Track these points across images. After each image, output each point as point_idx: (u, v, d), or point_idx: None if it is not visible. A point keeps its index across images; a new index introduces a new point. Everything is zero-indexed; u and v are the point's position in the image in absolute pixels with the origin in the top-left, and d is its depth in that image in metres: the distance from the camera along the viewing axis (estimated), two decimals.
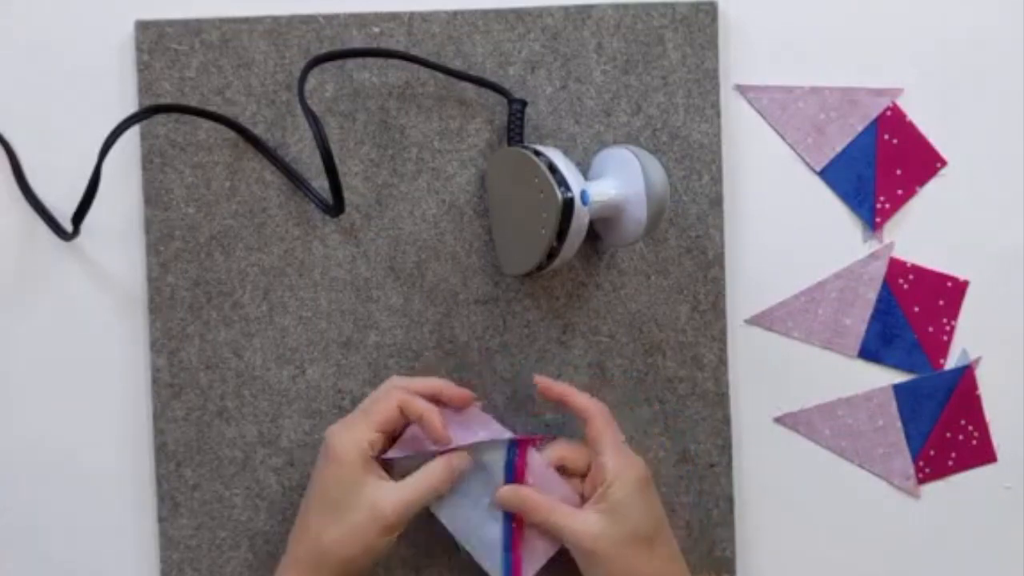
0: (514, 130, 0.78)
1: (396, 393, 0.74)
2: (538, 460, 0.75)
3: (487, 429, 0.76)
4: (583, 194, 0.73)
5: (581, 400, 0.75)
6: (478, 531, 0.75)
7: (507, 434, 0.75)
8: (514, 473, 0.75)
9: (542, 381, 0.76)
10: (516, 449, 0.75)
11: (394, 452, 0.74)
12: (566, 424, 0.80)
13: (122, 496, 0.80)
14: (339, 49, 0.78)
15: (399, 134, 0.80)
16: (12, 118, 0.80)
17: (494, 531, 0.75)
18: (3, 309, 0.80)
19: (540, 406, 0.80)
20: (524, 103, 0.78)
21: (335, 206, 0.76)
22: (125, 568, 0.80)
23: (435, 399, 0.75)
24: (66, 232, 0.77)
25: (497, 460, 0.75)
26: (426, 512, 0.74)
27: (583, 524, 0.72)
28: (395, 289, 0.80)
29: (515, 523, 0.75)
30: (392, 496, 0.72)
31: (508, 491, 0.74)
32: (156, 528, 0.80)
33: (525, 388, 0.80)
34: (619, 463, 0.73)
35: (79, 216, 0.76)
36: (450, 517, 0.75)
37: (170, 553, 0.79)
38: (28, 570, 0.80)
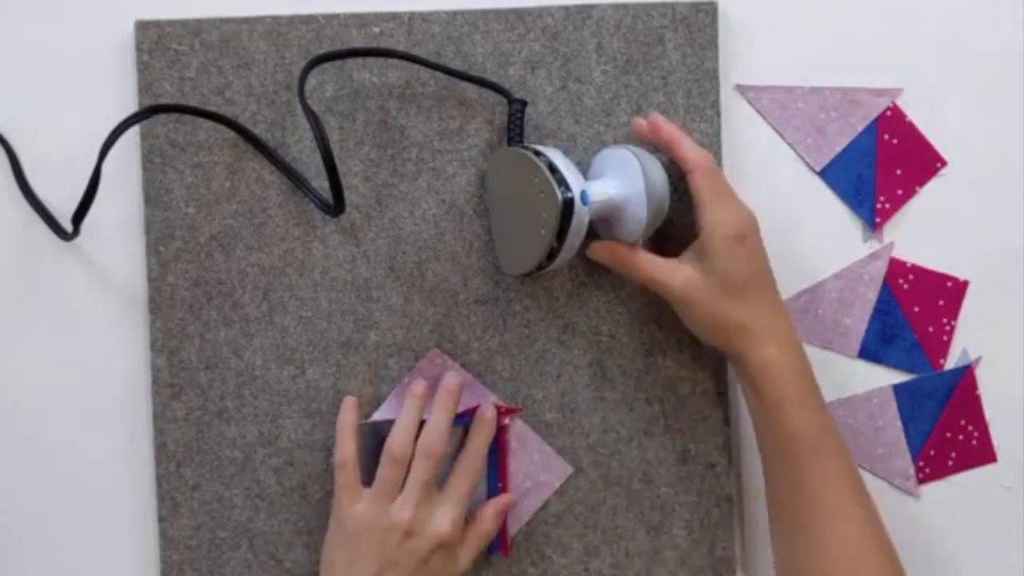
0: (514, 130, 0.78)
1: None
2: (520, 425, 0.79)
3: (471, 390, 0.79)
4: (583, 194, 0.73)
5: (686, 151, 0.75)
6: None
7: (492, 396, 0.79)
8: (497, 441, 0.79)
9: (655, 119, 0.76)
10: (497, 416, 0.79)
11: (380, 415, 0.77)
12: (565, 424, 0.80)
13: (122, 496, 0.80)
14: (339, 49, 0.78)
15: (399, 134, 0.80)
16: (12, 118, 0.80)
17: (479, 491, 0.79)
18: (3, 309, 0.80)
19: (540, 405, 0.80)
20: (524, 103, 0.78)
21: (335, 206, 0.76)
22: (125, 568, 0.80)
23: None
24: (66, 232, 0.77)
25: None
26: None
27: (671, 274, 0.75)
28: (395, 289, 0.80)
29: (500, 483, 0.79)
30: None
31: (598, 245, 0.77)
32: (156, 528, 0.80)
33: (526, 388, 0.80)
34: (715, 218, 0.74)
35: (79, 216, 0.76)
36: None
37: (170, 553, 0.79)
38: (28, 570, 0.80)
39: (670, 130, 0.75)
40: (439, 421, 0.76)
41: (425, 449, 0.75)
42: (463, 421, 0.78)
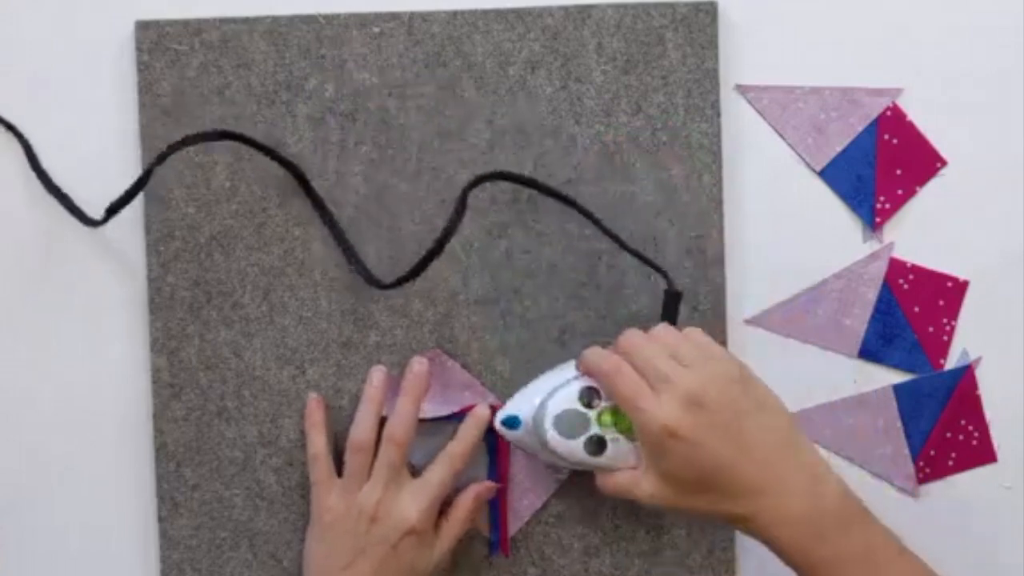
0: (668, 317, 0.76)
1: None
2: None
3: (471, 390, 0.79)
4: (512, 419, 0.75)
5: (589, 367, 0.73)
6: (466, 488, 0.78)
7: (491, 396, 0.79)
8: (497, 441, 0.78)
9: (582, 360, 0.74)
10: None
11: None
12: None
13: (122, 496, 0.80)
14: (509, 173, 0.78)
15: (399, 134, 0.80)
16: (11, 118, 0.80)
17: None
18: (3, 309, 0.80)
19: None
20: (680, 295, 0.76)
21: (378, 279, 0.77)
22: (125, 568, 0.80)
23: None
24: (93, 219, 0.77)
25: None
26: None
27: (636, 489, 0.71)
28: (395, 289, 0.80)
29: (500, 481, 0.78)
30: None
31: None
32: (156, 528, 0.80)
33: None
34: (637, 422, 0.70)
35: (113, 210, 0.75)
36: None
37: (170, 553, 0.79)
38: (28, 570, 0.80)
39: (587, 365, 0.73)
40: (403, 405, 0.75)
41: (389, 435, 0.75)
42: (461, 420, 0.78)
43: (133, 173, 0.79)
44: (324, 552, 0.75)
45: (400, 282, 0.76)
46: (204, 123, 0.79)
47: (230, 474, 0.79)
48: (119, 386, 0.80)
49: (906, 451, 0.81)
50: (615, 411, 0.72)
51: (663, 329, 0.73)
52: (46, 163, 0.79)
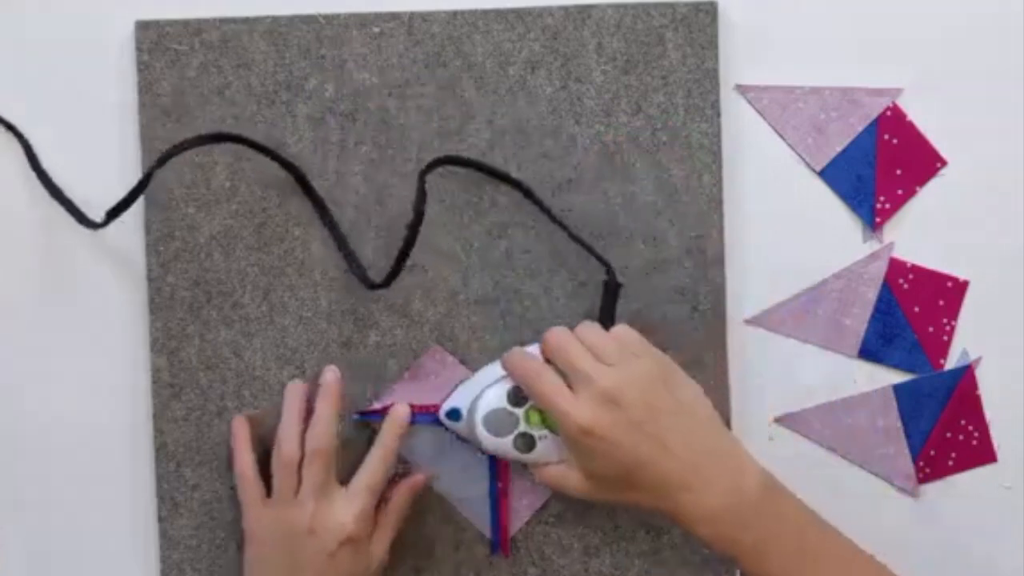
0: (606, 312, 0.77)
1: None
2: None
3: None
4: (453, 411, 0.76)
5: (508, 370, 0.74)
6: (466, 489, 0.79)
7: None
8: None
9: (505, 361, 0.75)
10: None
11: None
12: None
13: (122, 496, 0.80)
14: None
15: (399, 134, 0.80)
16: (11, 118, 0.80)
17: (481, 488, 0.79)
18: (3, 309, 0.80)
19: None
20: (620, 286, 0.78)
21: (373, 280, 0.77)
22: (125, 568, 0.80)
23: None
24: (93, 221, 0.77)
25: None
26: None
27: (565, 482, 0.73)
28: (395, 289, 0.80)
29: (500, 481, 0.78)
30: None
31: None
32: (156, 528, 0.80)
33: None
34: (557, 420, 0.71)
35: (115, 212, 0.75)
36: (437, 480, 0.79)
37: (170, 553, 0.79)
38: (28, 570, 0.80)
39: (508, 368, 0.74)
40: (321, 414, 0.75)
41: (313, 446, 0.74)
42: (424, 420, 0.78)
43: (133, 173, 0.79)
44: (261, 571, 0.74)
45: (389, 280, 0.76)
46: (204, 123, 0.79)
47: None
48: (119, 386, 0.80)
49: (906, 451, 0.81)
50: (542, 409, 0.73)
51: (588, 327, 0.73)
52: (46, 163, 0.79)
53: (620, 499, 0.72)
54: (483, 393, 0.75)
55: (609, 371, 0.70)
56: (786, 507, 0.71)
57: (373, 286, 0.77)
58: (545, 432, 0.73)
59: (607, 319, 0.77)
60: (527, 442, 0.73)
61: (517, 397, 0.74)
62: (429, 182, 0.75)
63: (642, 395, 0.70)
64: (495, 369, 0.76)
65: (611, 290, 0.77)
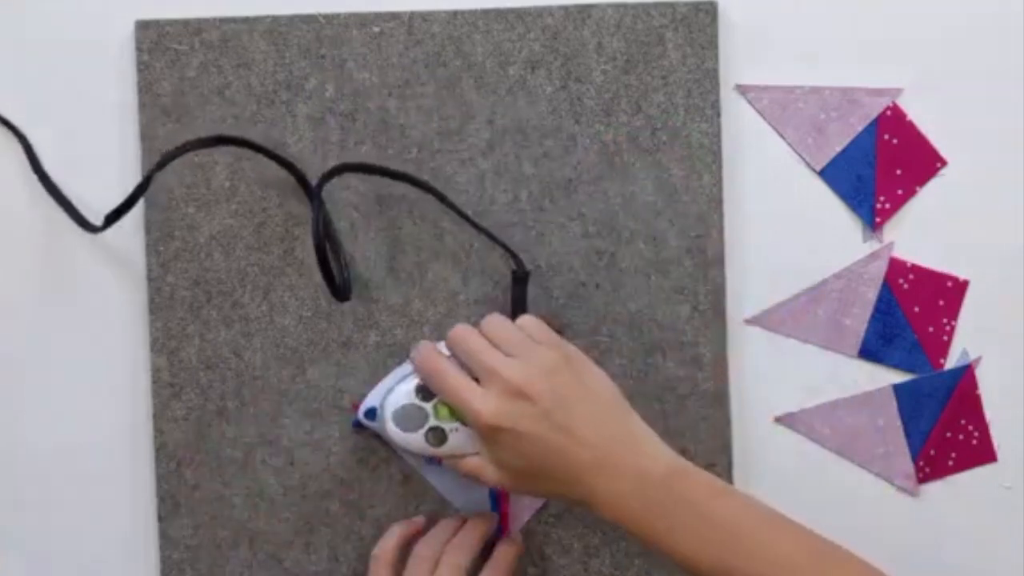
0: (517, 302, 0.78)
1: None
2: None
3: None
4: (370, 411, 0.75)
5: (416, 368, 0.73)
6: (466, 489, 0.79)
7: None
8: None
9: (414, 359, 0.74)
10: None
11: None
12: None
13: (122, 496, 0.80)
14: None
15: (399, 134, 0.80)
16: (10, 118, 0.80)
17: (481, 489, 0.78)
18: (3, 309, 0.80)
19: None
20: (527, 276, 0.78)
21: (339, 290, 0.76)
22: (125, 568, 0.80)
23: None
24: (93, 225, 0.77)
25: None
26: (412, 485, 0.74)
27: (483, 472, 0.72)
28: (395, 289, 0.80)
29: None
30: None
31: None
32: (156, 528, 0.80)
33: None
34: (465, 413, 0.70)
35: (114, 217, 0.75)
36: (438, 478, 0.79)
37: (170, 553, 0.79)
38: (28, 570, 0.80)
39: (415, 366, 0.73)
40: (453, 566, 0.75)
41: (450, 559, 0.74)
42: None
43: (133, 173, 0.79)
44: None
45: (343, 293, 0.77)
46: (204, 123, 0.79)
47: (230, 474, 0.79)
48: (119, 386, 0.80)
49: (906, 451, 0.81)
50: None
51: (492, 320, 0.73)
52: (46, 163, 0.79)
53: (538, 490, 0.72)
54: (393, 389, 0.74)
55: (513, 363, 0.70)
56: (696, 490, 0.69)
57: (342, 299, 0.77)
58: (456, 424, 0.72)
59: (518, 310, 0.77)
60: (438, 436, 0.72)
61: (426, 392, 0.73)
62: (437, 184, 0.75)
63: (547, 384, 0.69)
64: (403, 369, 0.76)
65: (520, 280, 0.77)
